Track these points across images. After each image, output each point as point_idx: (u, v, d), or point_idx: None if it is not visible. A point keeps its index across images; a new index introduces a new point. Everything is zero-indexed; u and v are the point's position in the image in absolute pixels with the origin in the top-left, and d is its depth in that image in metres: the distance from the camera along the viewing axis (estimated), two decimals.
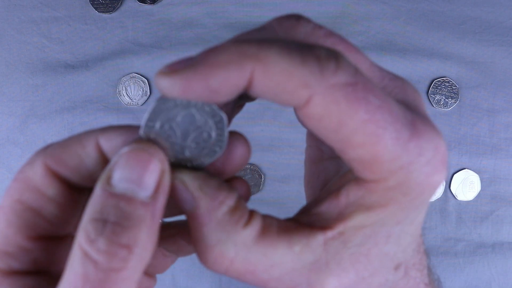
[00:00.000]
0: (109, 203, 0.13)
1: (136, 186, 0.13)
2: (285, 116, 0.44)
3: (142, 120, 0.14)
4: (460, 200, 0.44)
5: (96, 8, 0.44)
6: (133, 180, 0.13)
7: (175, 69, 0.13)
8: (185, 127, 0.14)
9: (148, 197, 0.13)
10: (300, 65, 0.12)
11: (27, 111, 0.44)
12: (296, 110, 0.13)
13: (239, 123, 0.47)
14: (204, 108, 0.14)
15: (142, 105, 0.44)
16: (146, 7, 0.44)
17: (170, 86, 0.13)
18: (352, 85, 0.13)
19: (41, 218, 0.15)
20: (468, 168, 0.44)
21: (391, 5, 0.43)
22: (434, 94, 0.43)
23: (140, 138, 0.14)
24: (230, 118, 0.16)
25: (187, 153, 0.15)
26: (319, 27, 0.15)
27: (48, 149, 0.15)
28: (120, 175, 0.13)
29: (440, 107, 0.43)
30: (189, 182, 0.14)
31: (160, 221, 0.14)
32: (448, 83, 0.43)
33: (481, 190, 0.43)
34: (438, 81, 0.43)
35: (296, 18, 0.15)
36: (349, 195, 0.15)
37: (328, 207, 0.15)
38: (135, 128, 0.15)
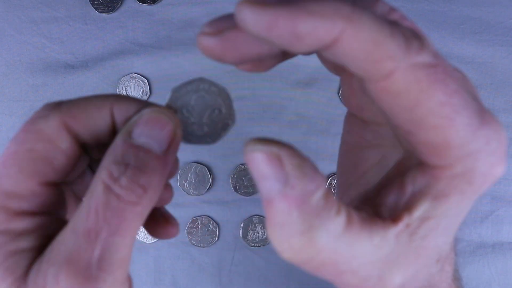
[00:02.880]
0: (130, 151, 0.16)
1: (153, 141, 0.16)
2: (285, 116, 0.44)
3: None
4: None
5: (96, 8, 0.44)
6: (151, 136, 0.16)
7: (265, 1, 0.12)
8: (199, 108, 0.17)
9: (162, 151, 0.16)
10: (389, 37, 0.12)
11: (27, 111, 0.44)
12: (370, 82, 0.13)
13: (239, 123, 0.47)
14: (212, 89, 0.17)
15: None
16: (146, 7, 0.44)
17: (255, 18, 0.12)
18: (434, 66, 0.13)
19: (51, 167, 0.17)
20: None
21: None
22: None
23: (161, 105, 0.17)
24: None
25: (206, 129, 0.18)
26: (395, 10, 0.15)
27: (63, 106, 0.18)
28: (140, 131, 0.16)
29: None
30: (286, 158, 0.13)
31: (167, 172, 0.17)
32: None
33: None
34: None
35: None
36: (415, 182, 0.14)
37: (394, 197, 0.15)
38: (147, 103, 0.17)
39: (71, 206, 0.20)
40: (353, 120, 0.20)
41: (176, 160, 0.19)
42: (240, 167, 0.43)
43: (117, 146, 0.16)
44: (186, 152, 0.44)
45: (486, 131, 0.13)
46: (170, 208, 0.48)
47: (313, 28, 0.12)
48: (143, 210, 0.16)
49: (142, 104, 0.17)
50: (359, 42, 0.12)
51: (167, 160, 0.16)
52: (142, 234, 0.44)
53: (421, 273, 0.16)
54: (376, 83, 0.13)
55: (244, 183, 0.43)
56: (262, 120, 0.44)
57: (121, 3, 0.44)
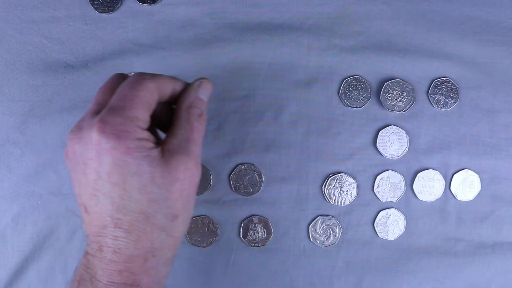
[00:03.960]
0: (196, 99, 0.31)
1: (204, 95, 0.32)
2: (285, 116, 0.44)
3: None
4: (460, 200, 0.44)
5: (96, 8, 0.44)
6: (204, 93, 0.32)
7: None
8: None
9: (206, 100, 0.32)
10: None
11: (27, 111, 0.44)
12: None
13: (239, 123, 0.47)
14: None
15: None
16: (146, 7, 0.44)
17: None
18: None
19: (153, 107, 0.29)
20: (468, 168, 0.44)
21: (391, 5, 0.43)
22: (434, 94, 0.43)
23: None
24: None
25: None
26: None
27: (156, 77, 0.29)
28: (201, 90, 0.32)
29: (440, 107, 0.43)
30: None
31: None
32: (448, 83, 0.43)
33: (481, 190, 0.43)
34: (438, 81, 0.43)
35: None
36: None
37: None
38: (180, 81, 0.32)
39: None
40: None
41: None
42: (240, 167, 0.43)
43: (191, 96, 0.31)
44: None
45: None
46: None
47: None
48: (204, 122, 0.31)
49: (184, 83, 0.32)
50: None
51: (206, 102, 0.32)
52: None
53: None
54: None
55: (244, 183, 0.43)
56: (262, 120, 0.44)
57: (121, 3, 0.44)
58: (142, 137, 0.27)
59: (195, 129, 0.30)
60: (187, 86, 0.32)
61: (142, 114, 0.28)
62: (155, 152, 0.28)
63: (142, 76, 0.29)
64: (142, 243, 0.27)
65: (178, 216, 0.29)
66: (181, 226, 0.29)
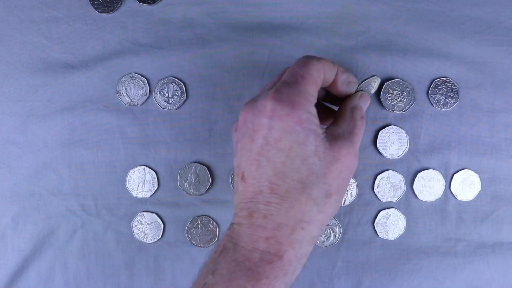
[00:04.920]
0: (358, 106, 0.34)
1: (364, 106, 0.35)
2: None
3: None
4: (460, 200, 0.44)
5: (96, 8, 0.44)
6: (364, 104, 0.35)
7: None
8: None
9: (364, 110, 0.35)
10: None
11: (27, 111, 0.44)
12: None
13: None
14: None
15: (141, 105, 0.44)
16: (146, 7, 0.44)
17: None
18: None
19: (319, 86, 0.32)
20: (468, 168, 0.44)
21: (391, 5, 0.43)
22: (434, 94, 0.43)
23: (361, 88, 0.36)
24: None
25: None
26: None
27: (322, 61, 0.31)
28: (363, 100, 0.35)
29: (440, 107, 0.43)
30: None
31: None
32: (448, 83, 0.43)
33: (481, 190, 0.43)
34: (438, 81, 0.43)
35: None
36: None
37: None
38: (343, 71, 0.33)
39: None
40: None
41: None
42: None
43: (355, 100, 0.34)
44: (186, 152, 0.44)
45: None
46: (170, 208, 0.48)
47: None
48: (364, 125, 0.33)
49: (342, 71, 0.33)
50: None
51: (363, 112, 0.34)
52: (142, 234, 0.44)
53: None
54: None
55: None
56: None
57: (121, 3, 0.44)
58: (312, 111, 0.29)
59: (358, 125, 0.32)
60: (351, 95, 0.35)
61: (313, 90, 0.30)
62: (321, 130, 0.30)
63: (310, 57, 0.31)
64: (293, 212, 0.28)
65: (332, 194, 0.29)
66: (333, 206, 0.30)
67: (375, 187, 0.44)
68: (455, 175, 0.43)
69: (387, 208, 0.44)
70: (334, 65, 0.32)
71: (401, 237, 0.44)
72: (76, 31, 0.44)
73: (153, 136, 0.44)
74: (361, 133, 0.32)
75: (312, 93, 0.30)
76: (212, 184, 0.44)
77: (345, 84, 0.33)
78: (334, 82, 0.33)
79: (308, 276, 0.44)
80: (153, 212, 0.44)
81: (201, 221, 0.44)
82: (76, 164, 0.44)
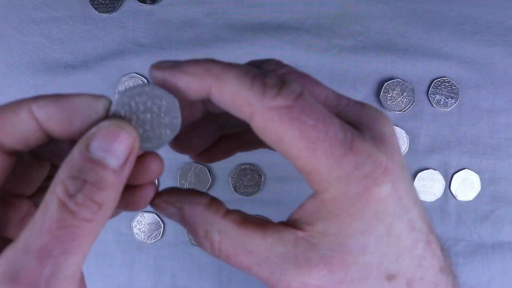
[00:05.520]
0: (87, 166, 0.16)
1: (111, 156, 0.16)
2: None
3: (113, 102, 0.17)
4: (460, 200, 0.44)
5: (96, 8, 0.44)
6: (109, 151, 0.16)
7: (161, 66, 0.18)
8: (144, 109, 0.17)
9: (118, 166, 0.16)
10: (247, 88, 0.16)
11: None
12: (248, 123, 0.17)
13: None
14: (155, 92, 0.17)
15: None
16: (146, 7, 0.44)
17: (154, 76, 0.18)
18: (288, 107, 0.16)
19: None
20: (468, 168, 0.44)
21: (391, 5, 0.43)
22: (434, 94, 0.43)
23: (114, 114, 0.17)
24: (196, 125, 0.21)
25: (154, 134, 0.18)
26: (282, 65, 0.19)
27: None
28: (98, 145, 0.16)
29: (440, 107, 0.43)
30: (171, 199, 0.18)
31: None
32: (448, 83, 0.43)
33: (481, 190, 0.43)
34: (438, 81, 0.43)
35: (276, 62, 0.20)
36: (309, 206, 0.18)
37: (299, 215, 0.18)
38: (66, 96, 0.17)
39: (19, 224, 0.20)
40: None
41: (160, 163, 0.19)
42: (240, 167, 0.43)
43: (74, 159, 0.16)
44: None
45: (353, 157, 0.16)
46: None
47: (187, 84, 0.17)
48: (97, 226, 0.16)
49: (62, 100, 0.17)
50: (224, 93, 0.17)
51: (123, 175, 0.16)
52: (142, 235, 0.44)
53: (364, 287, 0.17)
54: (250, 124, 0.17)
55: (244, 183, 0.43)
56: None
57: (121, 3, 0.44)
58: None
59: (66, 236, 0.17)
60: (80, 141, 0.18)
61: None
62: None
63: None
64: None
65: None
66: None
67: None
68: (455, 175, 0.43)
69: None
70: None
71: None
72: (76, 31, 0.44)
73: None
74: None
75: None
76: (212, 184, 0.44)
77: None
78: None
79: None
80: (153, 212, 0.44)
81: None
82: None
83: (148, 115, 0.17)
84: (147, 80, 0.44)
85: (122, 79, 0.44)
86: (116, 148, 0.16)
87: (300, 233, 0.17)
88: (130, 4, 0.44)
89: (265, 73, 0.17)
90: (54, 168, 0.20)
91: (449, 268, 0.19)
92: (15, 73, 0.44)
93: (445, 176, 0.44)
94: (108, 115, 0.17)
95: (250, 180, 0.43)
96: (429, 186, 0.43)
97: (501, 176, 0.44)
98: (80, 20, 0.44)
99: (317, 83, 0.19)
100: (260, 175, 0.43)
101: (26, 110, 0.16)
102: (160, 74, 0.17)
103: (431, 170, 0.43)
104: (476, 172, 0.43)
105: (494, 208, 0.44)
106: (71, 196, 0.15)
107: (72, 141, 0.17)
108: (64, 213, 0.15)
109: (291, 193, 0.44)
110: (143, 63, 0.44)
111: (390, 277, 0.17)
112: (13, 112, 0.16)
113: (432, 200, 0.44)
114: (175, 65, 0.17)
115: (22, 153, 0.18)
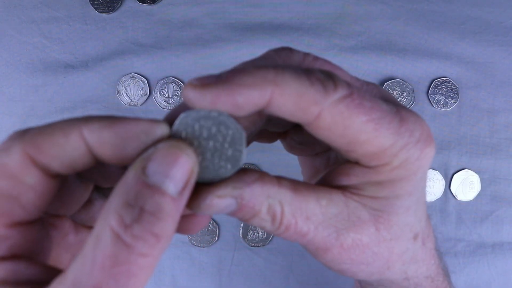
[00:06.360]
0: (144, 192, 0.14)
1: (169, 181, 0.14)
2: None
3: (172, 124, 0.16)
4: (460, 200, 0.44)
5: (96, 8, 0.44)
6: (168, 176, 0.14)
7: (205, 83, 0.14)
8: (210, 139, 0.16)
9: (177, 193, 0.14)
10: (309, 87, 0.15)
11: (27, 111, 0.44)
12: (307, 125, 0.16)
13: None
14: (221, 120, 0.15)
15: (141, 105, 0.44)
16: (146, 7, 0.44)
17: (199, 97, 0.14)
18: (349, 96, 0.15)
19: (18, 205, 0.15)
20: (468, 168, 0.44)
21: (391, 5, 0.43)
22: (434, 94, 0.43)
23: (173, 135, 0.15)
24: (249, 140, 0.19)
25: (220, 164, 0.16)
26: (307, 54, 0.19)
27: (26, 136, 0.16)
28: (155, 168, 0.14)
29: (440, 107, 0.43)
30: (224, 191, 0.16)
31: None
32: (448, 83, 0.43)
33: (481, 190, 0.43)
34: (438, 81, 0.43)
35: (289, 49, 0.18)
36: (359, 176, 0.17)
37: (343, 181, 0.18)
38: (120, 120, 0.15)
39: (62, 243, 0.19)
40: (303, 159, 0.25)
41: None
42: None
43: (129, 184, 0.14)
44: None
45: (406, 126, 0.16)
46: None
47: (248, 97, 0.15)
48: (154, 262, 0.14)
49: (115, 123, 0.15)
50: (287, 98, 0.15)
51: (181, 202, 0.15)
52: None
53: (396, 245, 0.19)
54: (311, 125, 0.16)
55: None
56: None
57: (121, 3, 0.44)
58: None
59: (122, 274, 0.16)
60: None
61: None
62: None
63: (7, 140, 0.18)
64: None
65: None
66: None
67: None
68: (455, 175, 0.43)
69: None
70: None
71: None
72: (76, 31, 0.44)
73: None
74: None
75: None
76: None
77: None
78: None
79: (308, 276, 0.44)
80: None
81: None
82: None
83: (211, 143, 0.16)
84: (147, 80, 0.44)
85: (122, 79, 0.44)
86: (175, 172, 0.14)
87: (348, 193, 0.18)
88: (130, 4, 0.44)
89: (309, 69, 0.16)
90: (98, 189, 0.19)
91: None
92: (15, 73, 0.44)
93: (445, 176, 0.44)
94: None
95: None
96: (429, 186, 0.43)
97: (501, 176, 0.44)
98: (80, 20, 0.44)
99: (338, 67, 0.19)
100: None
101: (76, 133, 0.15)
102: (212, 93, 0.14)
103: (431, 170, 0.43)
104: (476, 172, 0.43)
105: (494, 208, 0.44)
106: (127, 226, 0.13)
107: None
108: (118, 248, 0.13)
109: None
110: (143, 63, 0.44)
111: (416, 236, 0.19)
112: (62, 135, 0.15)
113: (432, 200, 0.44)
114: (220, 80, 0.15)
115: (67, 175, 0.17)
